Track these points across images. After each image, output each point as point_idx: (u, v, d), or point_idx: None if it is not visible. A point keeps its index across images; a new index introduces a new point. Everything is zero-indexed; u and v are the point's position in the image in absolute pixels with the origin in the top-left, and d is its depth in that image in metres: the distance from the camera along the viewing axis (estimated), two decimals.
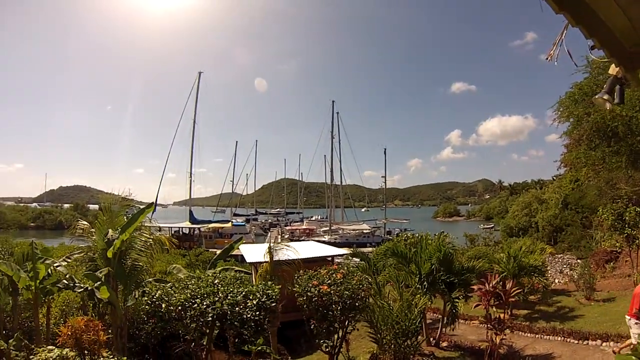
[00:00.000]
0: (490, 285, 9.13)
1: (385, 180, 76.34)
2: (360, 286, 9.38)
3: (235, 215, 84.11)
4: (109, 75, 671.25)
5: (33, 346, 10.10)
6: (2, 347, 9.72)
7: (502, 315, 9.49)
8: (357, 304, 9.17)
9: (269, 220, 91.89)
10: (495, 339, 8.96)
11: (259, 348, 10.32)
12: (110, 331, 10.09)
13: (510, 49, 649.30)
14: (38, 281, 10.64)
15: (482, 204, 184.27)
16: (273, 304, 8.97)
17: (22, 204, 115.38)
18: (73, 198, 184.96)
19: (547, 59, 4.59)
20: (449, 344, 11.83)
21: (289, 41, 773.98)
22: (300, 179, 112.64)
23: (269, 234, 64.70)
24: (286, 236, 59.62)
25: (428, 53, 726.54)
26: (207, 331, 9.29)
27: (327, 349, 9.70)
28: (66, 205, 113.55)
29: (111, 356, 8.55)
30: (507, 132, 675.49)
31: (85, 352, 7.79)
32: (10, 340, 9.95)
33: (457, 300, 11.31)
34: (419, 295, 10.46)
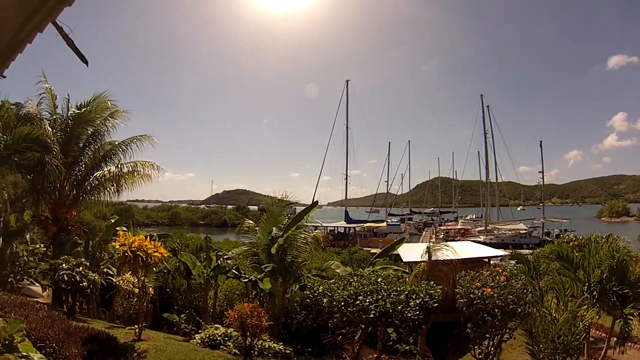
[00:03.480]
0: None
1: (543, 176, 70.91)
2: (525, 291, 8.78)
3: (390, 215, 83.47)
4: (264, 91, 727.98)
5: (202, 322, 11.49)
6: (174, 320, 11.19)
7: None
8: (519, 311, 8.53)
9: (423, 220, 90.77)
10: None
11: (407, 347, 10.30)
12: (267, 318, 10.85)
13: None
14: (209, 269, 11.98)
15: None
16: (435, 304, 8.86)
17: (193, 206, 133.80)
18: (235, 200, 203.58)
19: None
20: None
21: (428, 41, 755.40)
22: (454, 178, 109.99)
23: (423, 233, 64.02)
24: (440, 236, 58.07)
25: (574, 28, 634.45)
26: (363, 327, 9.47)
27: (479, 356, 9.25)
28: (229, 207, 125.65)
29: (269, 340, 9.26)
30: None
31: (248, 333, 8.46)
32: (182, 315, 11.51)
33: (630, 317, 9.93)
34: (585, 307, 9.45)
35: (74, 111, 15.88)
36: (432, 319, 10.77)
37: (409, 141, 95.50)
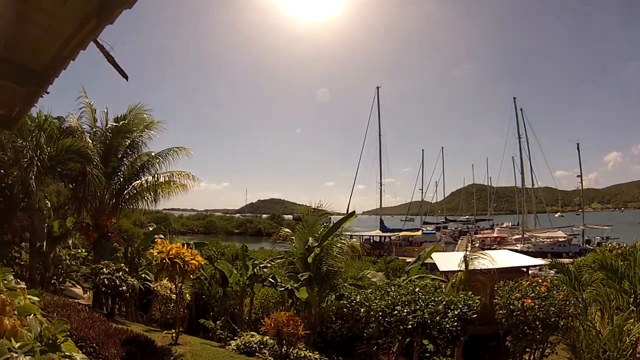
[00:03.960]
0: None
1: (582, 180, 68.39)
2: (567, 303, 8.41)
3: (425, 223, 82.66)
4: (296, 101, 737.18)
5: (237, 329, 11.61)
6: (210, 326, 11.35)
7: None
8: (561, 324, 8.18)
9: (459, 228, 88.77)
10: None
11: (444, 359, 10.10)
12: (303, 327, 10.85)
13: None
14: (246, 277, 12.11)
15: None
16: (474, 315, 8.66)
17: (228, 215, 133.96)
18: (269, 209, 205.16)
19: None
20: None
21: (459, 46, 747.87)
22: (489, 184, 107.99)
23: (459, 242, 62.86)
24: (476, 244, 56.45)
25: (611, 24, 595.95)
26: (400, 338, 9.34)
27: None
28: (264, 216, 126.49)
29: (304, 348, 9.23)
30: None
31: (284, 342, 8.47)
32: (218, 322, 11.65)
33: None
34: (632, 321, 8.98)
35: (112, 124, 16.70)
36: (470, 331, 10.52)
37: (442, 148, 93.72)
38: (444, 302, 8.78)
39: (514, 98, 68.37)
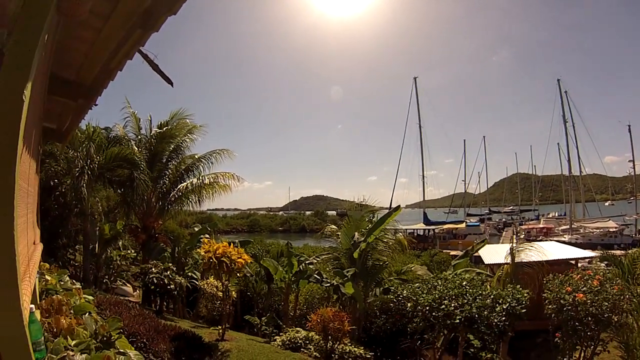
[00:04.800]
0: None
1: (634, 165, 64.26)
2: (621, 297, 8.01)
3: (469, 215, 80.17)
4: (337, 96, 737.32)
5: (282, 325, 11.81)
6: (255, 322, 11.58)
7: None
8: (615, 320, 7.83)
9: (503, 220, 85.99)
10: None
11: (489, 356, 9.91)
12: (349, 322, 10.88)
13: None
14: (291, 274, 12.29)
15: None
16: (522, 310, 8.45)
17: (272, 213, 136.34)
18: (313, 206, 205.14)
19: None
20: None
21: (496, 30, 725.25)
22: (534, 173, 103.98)
23: (503, 233, 61.25)
24: (522, 236, 54.48)
25: None
26: (445, 332, 9.22)
27: None
28: (307, 212, 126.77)
29: (349, 344, 9.26)
30: None
31: (329, 337, 8.52)
32: (263, 318, 11.89)
33: None
34: None
35: (156, 130, 17.46)
36: (516, 326, 10.20)
37: (484, 137, 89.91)
38: (492, 296, 8.61)
39: (558, 80, 64.02)
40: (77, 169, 12.35)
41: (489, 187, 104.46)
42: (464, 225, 59.05)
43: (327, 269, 14.07)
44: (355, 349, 9.22)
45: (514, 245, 12.37)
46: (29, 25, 1.16)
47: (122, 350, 3.26)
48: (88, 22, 2.29)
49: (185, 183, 17.63)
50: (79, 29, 2.41)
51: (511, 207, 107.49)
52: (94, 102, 3.49)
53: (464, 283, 9.26)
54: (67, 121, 4.35)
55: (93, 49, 2.65)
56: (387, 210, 14.11)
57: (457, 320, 8.27)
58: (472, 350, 10.43)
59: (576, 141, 63.96)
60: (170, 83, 3.91)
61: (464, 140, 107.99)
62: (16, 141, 1.13)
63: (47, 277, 4.17)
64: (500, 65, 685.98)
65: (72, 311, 3.49)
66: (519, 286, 9.31)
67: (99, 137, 14.63)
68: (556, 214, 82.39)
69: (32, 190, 2.06)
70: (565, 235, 52.77)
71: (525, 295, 8.77)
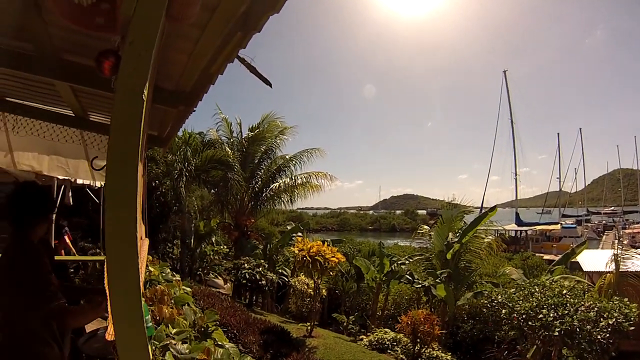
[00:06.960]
0: None
1: None
2: None
3: (564, 216, 74.64)
4: (426, 94, 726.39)
5: (369, 324, 11.88)
6: (342, 320, 11.70)
7: None
8: None
9: (603, 222, 79.22)
10: None
11: None
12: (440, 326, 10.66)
13: None
14: (382, 274, 12.34)
15: None
16: (631, 327, 7.74)
17: (362, 212, 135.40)
18: (403, 205, 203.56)
19: None
20: None
21: (587, 10, 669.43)
22: (639, 168, 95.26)
23: (603, 238, 56.73)
24: (625, 241, 50.32)
25: None
26: (540, 344, 8.64)
27: None
28: (398, 212, 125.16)
29: (437, 348, 9.06)
30: None
31: (418, 340, 8.43)
32: (351, 317, 12.01)
33: None
34: None
35: (248, 133, 18.61)
36: (620, 345, 9.26)
37: (580, 129, 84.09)
38: (596, 309, 7.88)
39: None
40: (176, 171, 13.70)
41: (586, 185, 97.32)
42: (558, 227, 54.76)
43: (418, 269, 13.94)
44: (443, 355, 9.02)
45: (619, 251, 11.34)
46: (143, 26, 1.22)
47: (219, 343, 3.45)
48: (186, 33, 2.38)
49: (277, 183, 18.34)
50: (178, 41, 2.51)
51: (612, 208, 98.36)
52: (194, 108, 3.67)
53: (564, 291, 8.55)
54: (167, 127, 4.60)
55: (191, 58, 2.74)
56: (477, 210, 13.67)
57: (556, 333, 7.68)
58: None
59: None
60: (269, 84, 4.05)
61: (558, 134, 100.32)
62: (138, 141, 1.21)
63: (150, 268, 4.53)
64: (595, 48, 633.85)
65: (172, 301, 3.75)
66: (626, 299, 8.50)
67: (195, 142, 15.92)
68: None
69: (141, 192, 2.20)
70: None
71: (634, 310, 7.98)
